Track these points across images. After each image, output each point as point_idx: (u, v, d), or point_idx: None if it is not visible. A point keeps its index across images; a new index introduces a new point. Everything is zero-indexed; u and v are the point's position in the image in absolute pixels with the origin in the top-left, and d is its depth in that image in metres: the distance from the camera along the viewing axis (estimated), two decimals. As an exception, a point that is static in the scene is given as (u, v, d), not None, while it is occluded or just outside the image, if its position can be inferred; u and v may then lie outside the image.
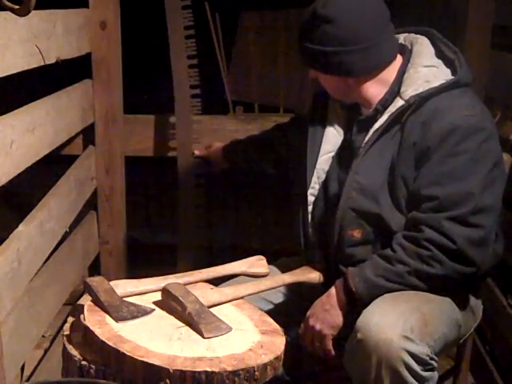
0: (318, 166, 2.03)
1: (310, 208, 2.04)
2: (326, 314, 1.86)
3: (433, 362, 1.77)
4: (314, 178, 2.03)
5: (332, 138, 2.04)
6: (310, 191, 2.03)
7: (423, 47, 1.92)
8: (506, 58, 2.61)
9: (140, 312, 1.73)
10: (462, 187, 1.79)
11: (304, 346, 1.93)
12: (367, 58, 1.88)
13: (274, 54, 3.23)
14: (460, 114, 1.81)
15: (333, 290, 1.88)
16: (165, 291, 1.76)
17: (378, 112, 1.92)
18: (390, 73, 1.93)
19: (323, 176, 2.03)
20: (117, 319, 1.68)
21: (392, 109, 1.87)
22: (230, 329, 1.68)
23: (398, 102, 1.87)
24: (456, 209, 1.78)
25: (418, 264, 1.79)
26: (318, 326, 1.87)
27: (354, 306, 1.84)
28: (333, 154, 2.03)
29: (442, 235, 1.78)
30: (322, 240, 2.02)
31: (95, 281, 1.80)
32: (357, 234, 1.90)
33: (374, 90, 1.93)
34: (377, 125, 1.89)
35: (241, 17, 3.31)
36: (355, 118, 2.00)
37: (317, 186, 2.04)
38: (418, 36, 1.96)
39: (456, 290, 1.89)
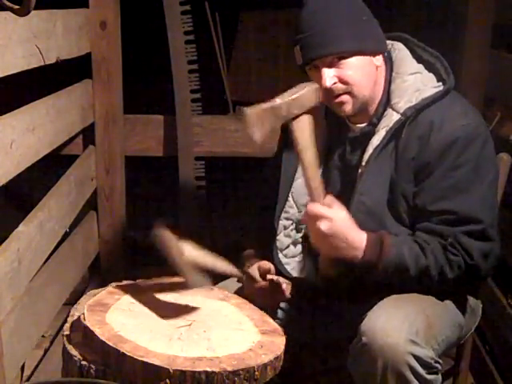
0: (293, 190, 1.97)
1: (286, 231, 1.98)
2: (340, 247, 1.74)
3: (437, 365, 1.75)
4: (290, 203, 1.97)
5: None
6: (283, 215, 1.97)
7: (403, 54, 1.87)
8: (506, 58, 2.61)
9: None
10: (473, 198, 1.76)
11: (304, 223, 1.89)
12: (380, 31, 1.86)
13: (274, 54, 3.23)
14: (456, 125, 1.78)
15: (363, 243, 1.76)
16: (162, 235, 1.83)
17: (374, 126, 1.85)
18: (380, 77, 1.86)
19: (303, 199, 1.94)
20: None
21: (388, 123, 1.82)
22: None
23: (393, 116, 1.81)
24: (476, 223, 1.75)
25: (443, 261, 1.75)
26: (325, 245, 1.76)
27: (365, 266, 1.76)
28: None
29: (462, 249, 1.76)
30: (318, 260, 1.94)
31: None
32: None
33: (375, 91, 1.85)
34: (375, 141, 1.83)
35: (241, 17, 3.31)
36: (340, 136, 1.93)
37: (292, 210, 1.97)
38: (393, 42, 1.91)
39: (457, 293, 1.88)
